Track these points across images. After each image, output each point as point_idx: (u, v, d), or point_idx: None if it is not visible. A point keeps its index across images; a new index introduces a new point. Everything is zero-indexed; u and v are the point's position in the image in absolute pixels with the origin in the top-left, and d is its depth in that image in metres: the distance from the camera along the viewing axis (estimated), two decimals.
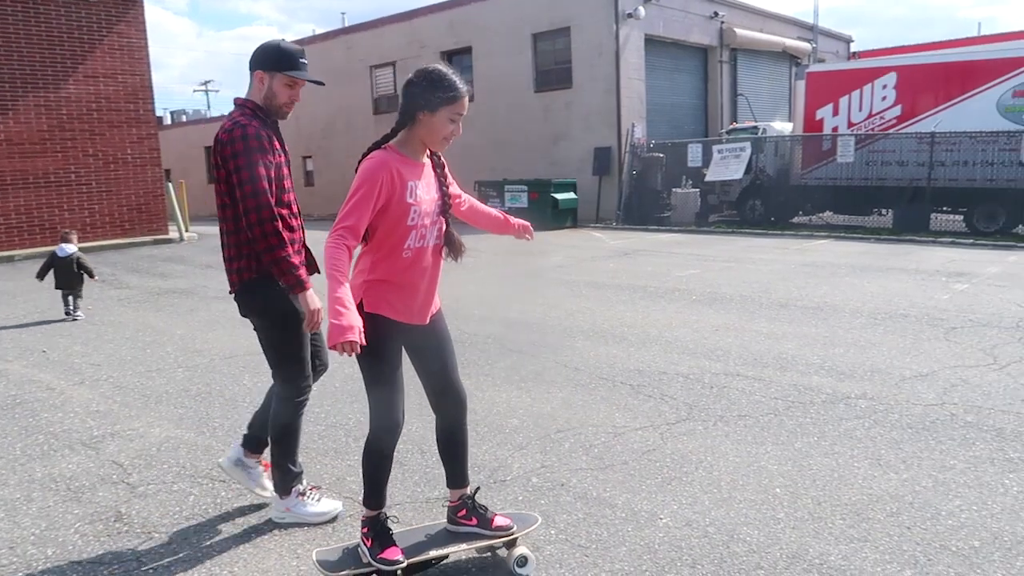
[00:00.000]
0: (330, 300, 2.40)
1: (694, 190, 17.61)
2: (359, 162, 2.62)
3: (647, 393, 5.04)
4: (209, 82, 76.92)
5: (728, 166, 16.77)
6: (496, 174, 20.05)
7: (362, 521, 2.82)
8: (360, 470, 2.85)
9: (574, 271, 10.67)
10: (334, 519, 3.39)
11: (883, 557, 2.94)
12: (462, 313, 7.72)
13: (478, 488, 3.07)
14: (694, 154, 17.79)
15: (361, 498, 2.88)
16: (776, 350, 6.05)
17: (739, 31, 23.67)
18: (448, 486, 3.03)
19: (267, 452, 3.45)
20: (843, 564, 2.90)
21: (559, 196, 17.61)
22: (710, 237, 15.22)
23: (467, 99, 2.66)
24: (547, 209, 17.26)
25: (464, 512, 2.97)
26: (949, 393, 4.91)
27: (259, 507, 3.53)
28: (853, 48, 35.01)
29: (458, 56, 22.51)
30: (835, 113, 17.16)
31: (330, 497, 3.55)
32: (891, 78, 16.64)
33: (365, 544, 2.76)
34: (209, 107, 57.27)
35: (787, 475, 3.71)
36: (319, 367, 3.49)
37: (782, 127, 19.15)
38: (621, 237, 15.47)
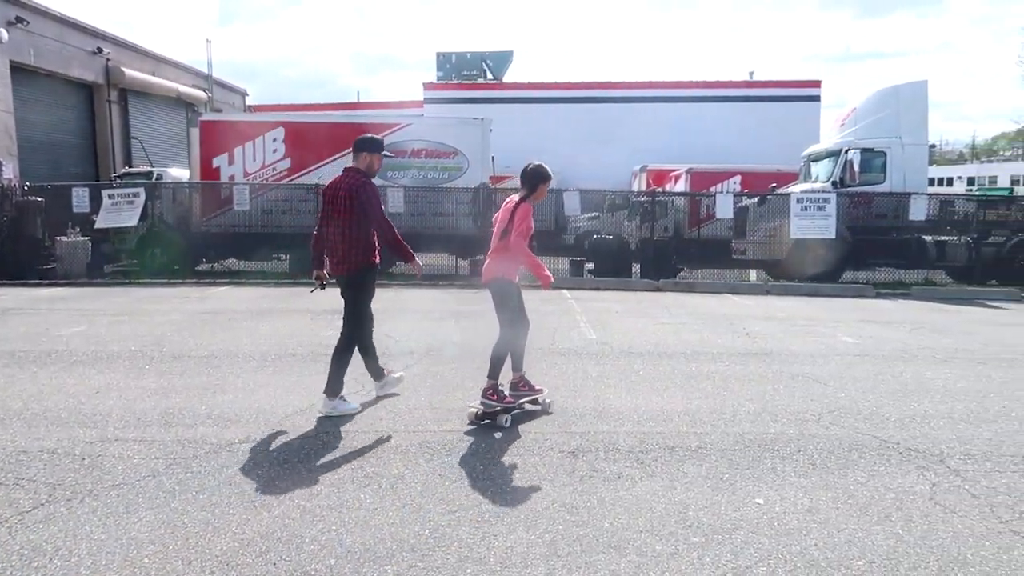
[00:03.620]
0: (538, 267, 5.45)
1: (84, 238, 15.94)
2: (517, 205, 5.43)
3: None
4: None
5: (121, 212, 15.66)
6: None
7: (486, 388, 5.44)
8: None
9: None
10: (358, 412, 5.62)
11: None
12: None
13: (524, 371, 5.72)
14: (80, 199, 16.10)
15: (487, 375, 5.48)
16: (163, 406, 5.78)
17: (128, 71, 22.53)
18: (513, 370, 5.71)
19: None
20: None
21: None
22: (104, 289, 13.96)
23: None
24: None
25: (523, 383, 5.73)
26: (324, 422, 5.36)
27: None
28: (249, 101, 36.63)
29: None
30: (231, 162, 17.58)
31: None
32: (280, 132, 17.85)
33: (491, 399, 5.40)
34: None
35: (159, 541, 3.50)
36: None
37: (179, 173, 18.80)
38: None
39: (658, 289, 14.82)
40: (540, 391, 5.82)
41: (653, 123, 35.88)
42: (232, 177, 17.31)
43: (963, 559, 3.40)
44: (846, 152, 16.85)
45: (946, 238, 16.38)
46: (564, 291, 14.18)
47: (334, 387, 5.62)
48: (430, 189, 17.12)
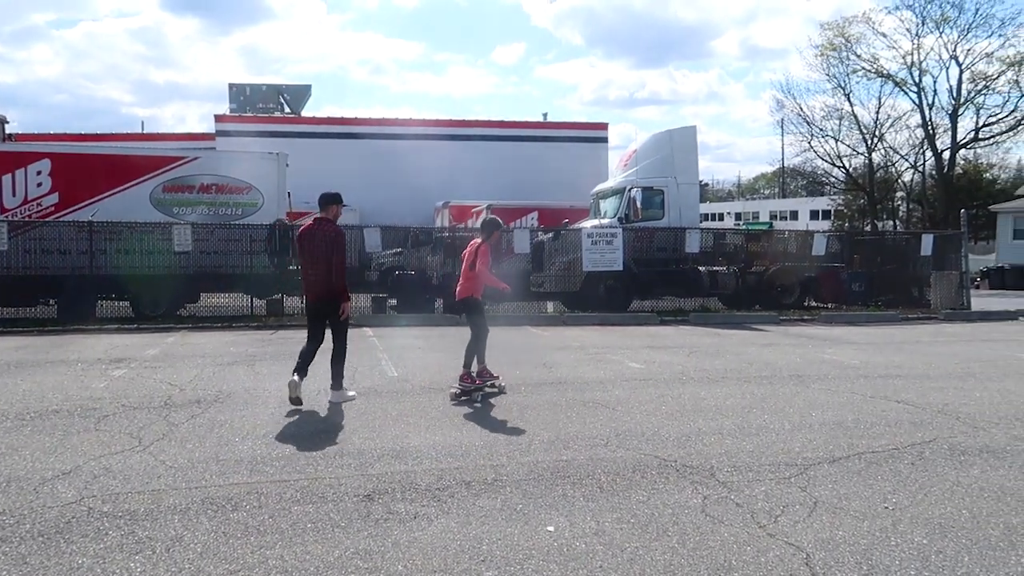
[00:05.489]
0: (498, 284, 8.06)
1: None
2: (479, 246, 7.84)
3: None
4: None
5: None
6: None
7: (462, 375, 7.69)
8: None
9: None
10: (353, 398, 7.45)
11: None
12: None
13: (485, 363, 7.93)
14: None
15: (462, 365, 7.77)
16: None
17: None
18: (478, 362, 7.83)
19: None
20: None
21: None
22: None
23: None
24: None
25: (486, 371, 7.88)
26: (91, 486, 4.82)
27: None
28: (10, 129, 32.97)
29: None
30: None
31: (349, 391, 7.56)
32: (46, 164, 16.22)
33: (466, 382, 7.61)
34: None
35: None
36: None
37: None
38: None
39: (460, 323, 15.00)
40: (497, 377, 8.06)
41: (455, 160, 36.65)
42: None
43: (728, 565, 3.69)
44: (629, 190, 18.18)
45: (718, 268, 18.10)
46: (366, 328, 13.98)
47: (338, 382, 7.40)
48: (222, 226, 16.26)
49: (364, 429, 6.32)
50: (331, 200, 7.46)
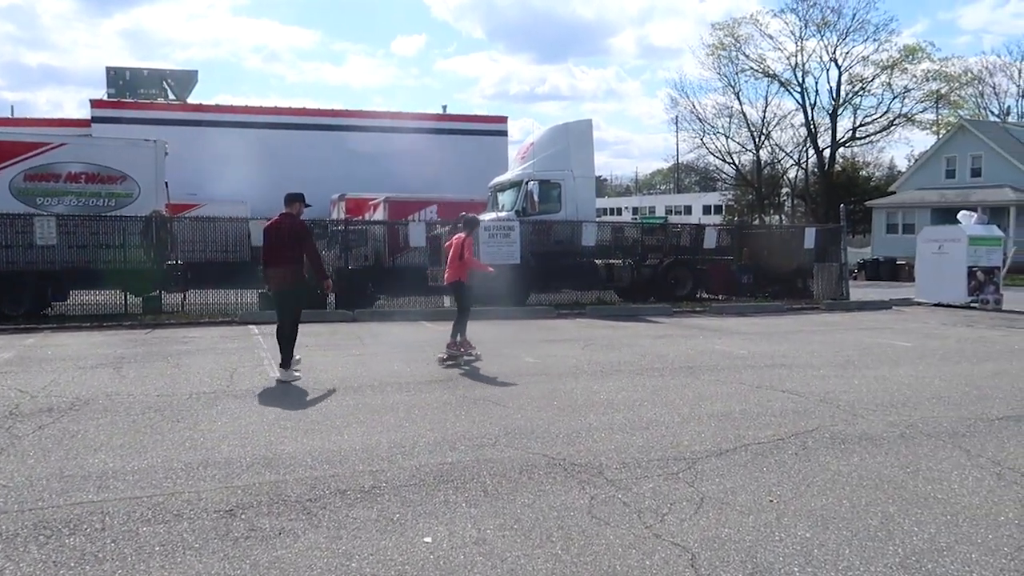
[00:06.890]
0: (483, 267, 10.71)
1: None
2: (464, 239, 9.68)
3: None
4: None
5: None
6: None
7: (448, 344, 9.41)
8: None
9: None
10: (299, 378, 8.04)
11: None
12: None
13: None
14: None
15: (449, 335, 9.50)
16: None
17: None
18: (461, 335, 9.54)
19: None
20: None
21: None
22: None
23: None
24: None
25: (467, 343, 9.59)
26: None
27: None
28: None
29: None
30: None
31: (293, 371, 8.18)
32: None
33: (452, 349, 9.36)
34: None
35: None
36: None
37: None
38: None
39: (354, 320, 14.52)
40: (474, 348, 9.64)
41: (351, 151, 35.73)
42: None
43: (613, 571, 3.52)
44: (527, 183, 18.06)
45: (614, 261, 18.24)
46: (252, 326, 13.30)
47: (287, 361, 8.15)
48: (92, 218, 15.11)
49: (235, 436, 5.86)
50: (295, 199, 8.45)
